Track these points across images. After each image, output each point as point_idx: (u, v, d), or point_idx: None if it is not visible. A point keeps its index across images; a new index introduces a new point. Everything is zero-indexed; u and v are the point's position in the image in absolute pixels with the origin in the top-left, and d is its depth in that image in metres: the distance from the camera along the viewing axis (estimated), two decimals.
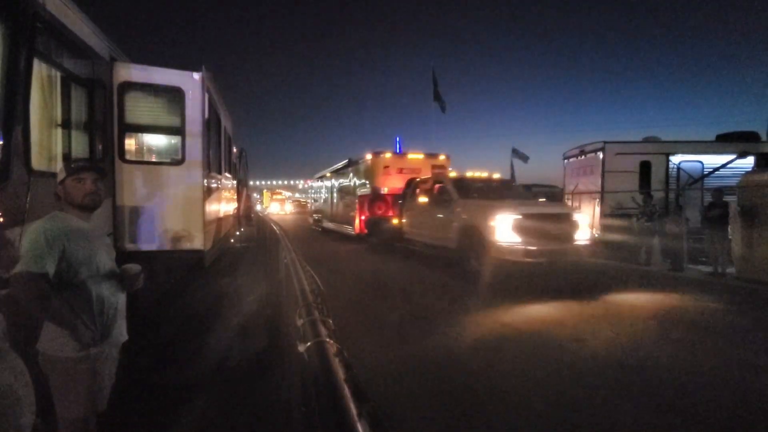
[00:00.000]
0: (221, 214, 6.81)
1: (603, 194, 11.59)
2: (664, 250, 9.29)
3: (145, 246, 4.48)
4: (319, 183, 20.95)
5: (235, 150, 9.74)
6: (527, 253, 6.69)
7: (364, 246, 12.66)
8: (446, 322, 5.01)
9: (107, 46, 4.22)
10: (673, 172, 11.69)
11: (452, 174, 9.89)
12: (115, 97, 4.36)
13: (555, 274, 7.18)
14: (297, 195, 57.43)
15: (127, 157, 4.52)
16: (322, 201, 20.10)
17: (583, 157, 13.11)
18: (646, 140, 12.82)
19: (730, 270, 8.05)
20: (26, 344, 1.80)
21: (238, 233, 10.27)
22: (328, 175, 18.55)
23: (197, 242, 4.81)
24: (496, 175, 11.13)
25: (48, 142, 3.27)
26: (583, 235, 7.39)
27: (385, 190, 12.82)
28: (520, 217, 6.94)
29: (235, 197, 9.52)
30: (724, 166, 11.03)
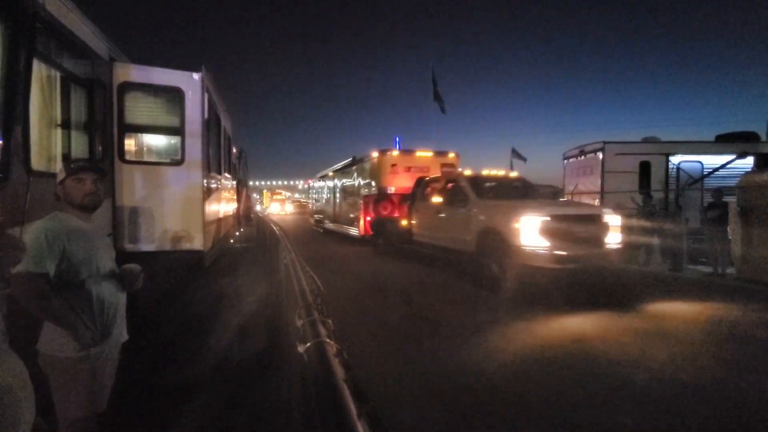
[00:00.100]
0: (221, 215, 6.80)
1: (602, 194, 11.60)
2: (664, 251, 9.30)
3: (145, 246, 4.48)
4: (321, 183, 20.44)
5: (234, 150, 9.74)
6: (556, 258, 6.12)
7: (369, 248, 12.11)
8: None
9: (107, 47, 4.21)
10: (672, 172, 11.70)
11: (467, 172, 9.25)
12: (114, 98, 4.36)
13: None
14: (297, 195, 57.48)
15: (127, 157, 4.52)
16: (324, 201, 19.61)
17: (582, 157, 13.12)
18: (646, 140, 12.84)
19: (730, 270, 8.06)
20: (26, 344, 1.80)
21: (237, 233, 10.26)
22: (331, 174, 18.06)
23: (197, 242, 4.81)
24: (513, 174, 10.35)
25: (47, 143, 3.27)
26: (614, 239, 6.77)
27: (392, 190, 12.32)
28: (549, 218, 6.34)
29: (235, 197, 9.52)
30: (723, 166, 11.03)
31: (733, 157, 11.03)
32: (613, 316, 5.33)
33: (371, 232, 12.38)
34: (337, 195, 16.78)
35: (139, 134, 4.96)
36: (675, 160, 11.71)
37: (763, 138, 12.28)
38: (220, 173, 6.74)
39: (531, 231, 6.27)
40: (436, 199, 9.16)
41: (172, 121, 4.76)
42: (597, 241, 6.61)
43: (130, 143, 4.67)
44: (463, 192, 8.25)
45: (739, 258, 7.78)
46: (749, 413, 3.03)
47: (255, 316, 4.83)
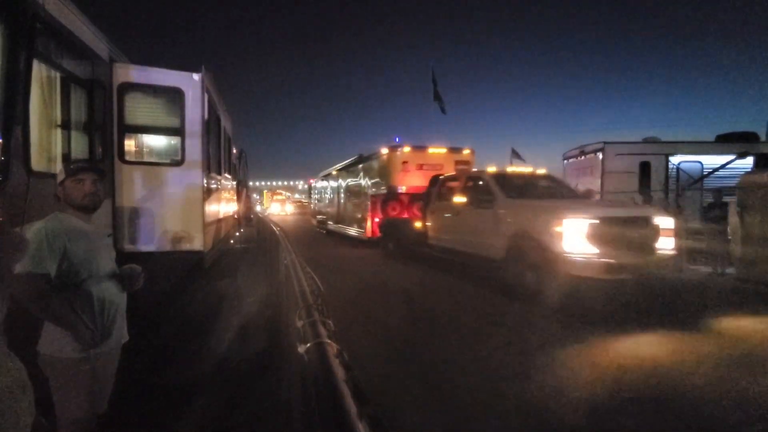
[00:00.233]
0: (221, 215, 6.80)
1: (603, 195, 11.59)
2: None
3: (145, 247, 4.48)
4: (324, 182, 19.71)
5: (234, 150, 9.73)
6: (607, 267, 5.37)
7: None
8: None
9: (106, 47, 4.22)
10: (672, 172, 11.70)
11: (490, 169, 8.44)
12: (114, 98, 4.36)
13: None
14: (297, 195, 57.54)
15: (127, 157, 4.51)
16: (327, 201, 18.90)
17: (582, 157, 13.11)
18: (646, 141, 12.84)
19: (730, 270, 8.06)
20: (26, 345, 1.80)
21: (238, 234, 10.26)
22: (335, 173, 17.28)
23: (197, 243, 4.81)
24: (541, 171, 9.22)
25: (47, 143, 3.28)
26: (667, 244, 6.00)
27: (403, 189, 11.53)
28: (597, 221, 5.58)
29: (235, 198, 9.52)
30: (723, 166, 11.02)
31: (733, 157, 11.03)
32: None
33: (379, 235, 11.69)
34: (342, 195, 16.05)
35: (139, 135, 4.96)
36: (675, 160, 11.71)
37: (763, 138, 12.29)
38: (220, 174, 6.74)
39: (576, 236, 5.53)
40: (457, 199, 8.27)
41: (172, 121, 4.76)
42: (649, 246, 5.86)
43: (130, 144, 4.67)
44: (488, 190, 7.39)
45: (739, 258, 7.78)
46: None
47: (255, 316, 4.82)
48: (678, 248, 6.42)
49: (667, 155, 11.75)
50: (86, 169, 1.97)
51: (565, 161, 14.25)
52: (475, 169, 9.82)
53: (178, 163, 4.76)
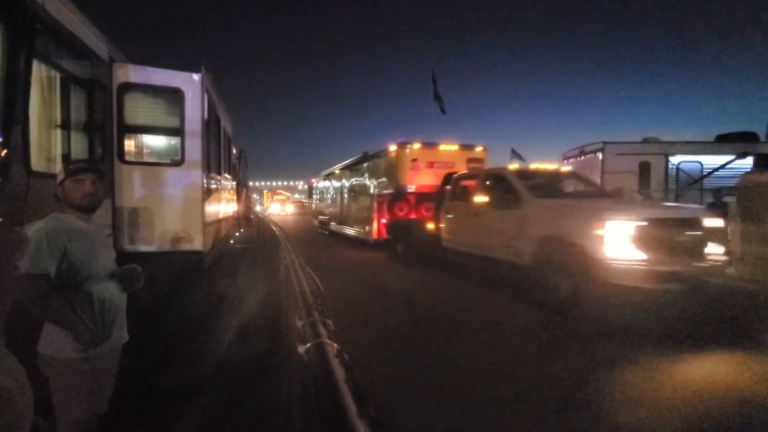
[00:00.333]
0: (221, 215, 6.80)
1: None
2: None
3: (145, 247, 4.48)
4: (326, 182, 18.87)
5: (234, 151, 9.72)
6: (654, 276, 4.81)
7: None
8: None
9: (106, 47, 4.21)
10: (672, 172, 11.71)
11: (511, 166, 7.81)
12: (114, 98, 4.36)
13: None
14: (297, 195, 57.57)
15: (127, 158, 4.51)
16: (329, 201, 18.10)
17: (582, 157, 13.12)
18: (646, 141, 12.84)
19: (729, 270, 8.06)
20: (26, 345, 1.80)
21: (237, 234, 10.25)
22: (338, 172, 16.66)
23: (197, 243, 4.81)
24: (566, 168, 8.33)
25: (47, 143, 3.27)
26: (717, 249, 5.43)
27: (412, 188, 10.97)
28: (645, 223, 5.02)
29: (235, 198, 9.51)
30: (723, 166, 11.04)
31: (732, 157, 11.04)
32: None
33: (386, 236, 11.16)
34: (346, 194, 15.37)
35: (139, 135, 4.95)
36: (675, 160, 11.72)
37: (763, 138, 12.29)
38: (220, 174, 6.74)
39: (620, 240, 4.95)
40: (476, 199, 7.62)
41: (172, 121, 4.76)
42: (699, 252, 5.26)
43: (129, 144, 4.67)
44: (512, 189, 6.77)
45: (739, 258, 7.78)
46: None
47: (255, 317, 4.82)
48: (729, 254, 5.78)
49: (666, 155, 11.77)
50: (86, 170, 1.97)
51: (565, 161, 14.26)
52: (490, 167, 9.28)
53: (177, 164, 4.76)
